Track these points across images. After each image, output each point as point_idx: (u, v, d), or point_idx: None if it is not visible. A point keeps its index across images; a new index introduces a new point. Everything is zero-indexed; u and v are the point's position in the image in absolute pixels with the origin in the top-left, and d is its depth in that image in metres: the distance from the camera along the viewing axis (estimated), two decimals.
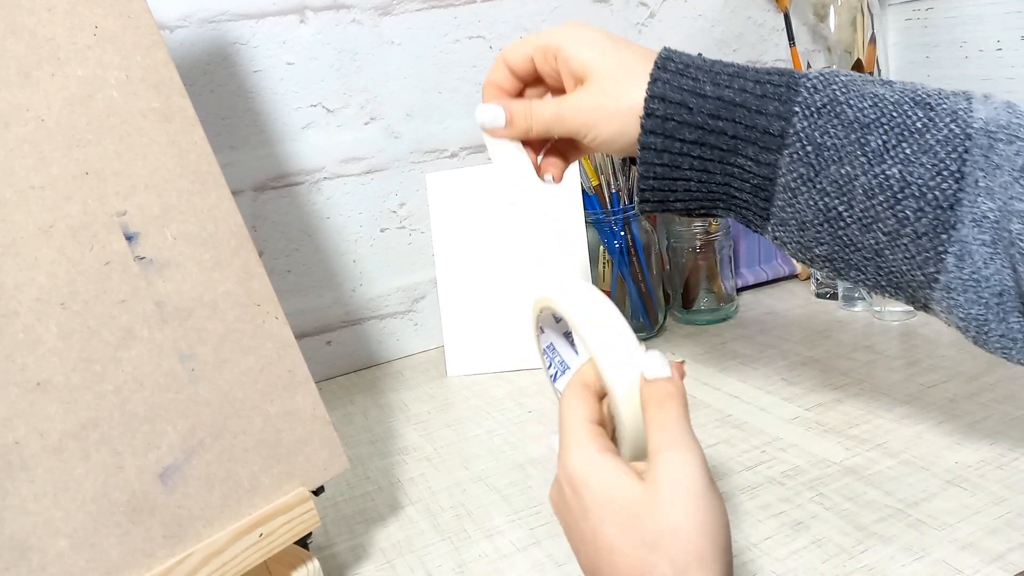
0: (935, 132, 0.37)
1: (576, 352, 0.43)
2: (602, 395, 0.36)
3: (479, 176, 0.80)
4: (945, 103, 0.38)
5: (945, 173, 0.37)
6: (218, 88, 0.76)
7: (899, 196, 0.38)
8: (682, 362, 0.37)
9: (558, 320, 0.42)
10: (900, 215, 0.38)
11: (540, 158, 0.48)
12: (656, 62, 0.42)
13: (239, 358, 0.43)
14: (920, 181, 0.37)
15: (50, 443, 0.36)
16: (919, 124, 0.38)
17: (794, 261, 0.94)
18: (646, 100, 0.41)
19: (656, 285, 0.82)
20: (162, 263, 0.40)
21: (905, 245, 0.38)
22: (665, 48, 0.43)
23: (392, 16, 0.81)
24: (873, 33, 0.89)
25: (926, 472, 0.51)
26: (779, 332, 0.79)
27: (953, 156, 0.37)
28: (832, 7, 0.90)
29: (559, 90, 0.46)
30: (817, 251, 0.42)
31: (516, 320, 0.79)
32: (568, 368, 0.43)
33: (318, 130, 0.80)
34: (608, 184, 0.79)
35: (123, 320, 0.39)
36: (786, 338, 0.77)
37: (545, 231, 0.43)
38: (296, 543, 0.46)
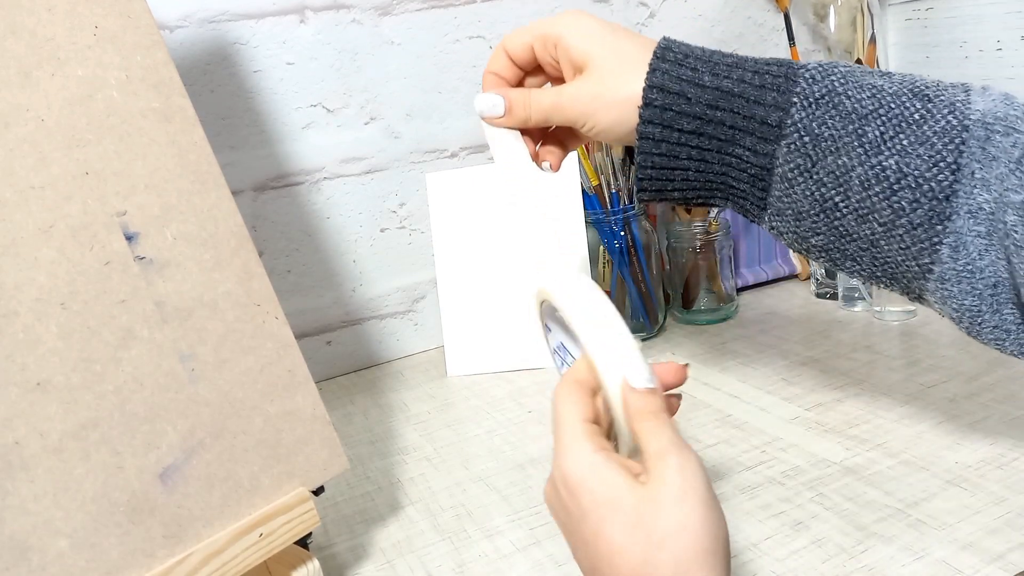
0: (932, 124, 0.37)
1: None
2: (596, 391, 0.36)
3: (479, 176, 0.80)
4: (943, 95, 0.38)
5: (942, 164, 0.37)
6: (218, 88, 0.76)
7: (895, 187, 0.38)
8: (686, 365, 0.37)
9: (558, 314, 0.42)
10: (896, 206, 0.38)
11: (538, 147, 0.48)
12: (655, 52, 0.42)
13: (239, 358, 0.43)
14: (916, 172, 0.37)
15: (50, 443, 0.36)
16: (917, 116, 0.38)
17: (794, 261, 0.94)
18: (644, 90, 0.41)
19: (656, 285, 0.82)
20: (162, 263, 0.40)
21: (900, 236, 0.38)
22: (664, 38, 0.43)
23: (392, 16, 0.81)
24: (873, 33, 0.89)
25: (926, 472, 0.51)
26: (779, 332, 0.79)
27: (950, 148, 0.37)
28: (832, 7, 0.90)
29: (559, 79, 0.47)
30: (813, 241, 0.42)
31: (516, 320, 0.79)
32: None
33: (318, 130, 0.80)
34: (608, 184, 0.79)
35: (123, 320, 0.39)
36: (786, 338, 0.77)
37: (545, 230, 0.43)
38: (296, 543, 0.46)
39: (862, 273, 0.42)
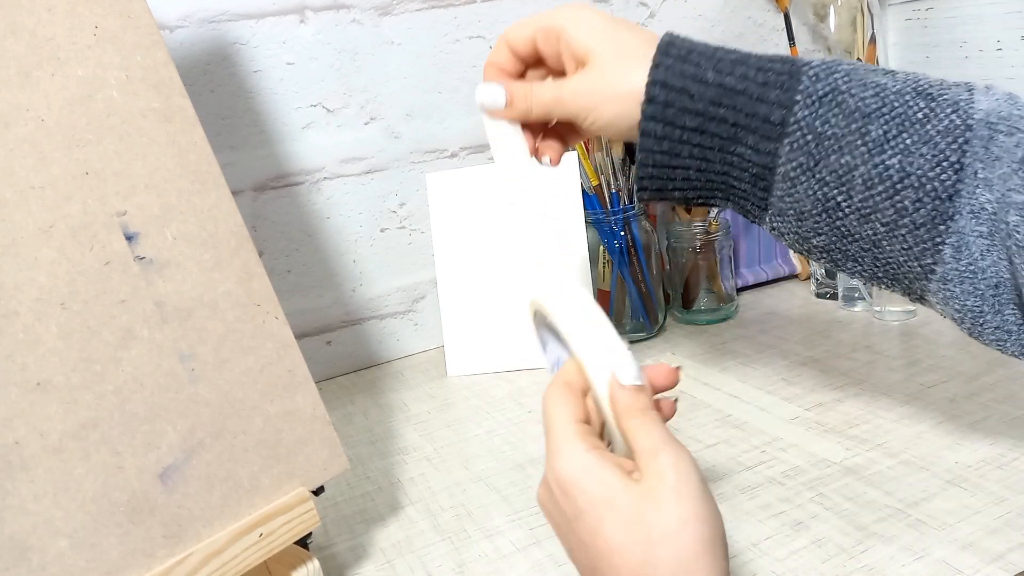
0: (936, 123, 0.37)
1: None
2: (586, 392, 0.36)
3: (479, 176, 0.80)
4: (947, 94, 0.38)
5: (945, 164, 0.37)
6: (218, 88, 0.76)
7: (898, 187, 0.37)
8: (678, 368, 0.37)
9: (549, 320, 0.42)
10: (899, 205, 0.38)
11: (538, 141, 0.48)
12: (659, 47, 0.41)
13: (239, 358, 0.43)
14: (920, 172, 0.37)
15: (50, 443, 0.36)
16: (920, 115, 0.37)
17: (794, 261, 0.94)
18: (647, 86, 0.41)
19: (656, 285, 0.82)
20: (162, 263, 0.40)
21: (903, 236, 0.38)
22: (668, 33, 0.42)
23: (392, 16, 0.81)
24: (873, 33, 0.89)
25: (926, 472, 0.51)
26: (779, 332, 0.79)
27: (953, 147, 0.37)
28: (832, 7, 0.90)
29: (561, 72, 0.46)
30: (815, 242, 0.41)
31: (516, 320, 0.79)
32: None
33: (318, 130, 0.80)
34: (608, 184, 0.79)
35: (123, 320, 0.39)
36: (786, 338, 0.77)
37: (543, 227, 0.43)
38: (296, 543, 0.46)
39: (863, 274, 0.41)
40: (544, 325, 0.41)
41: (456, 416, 0.71)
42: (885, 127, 0.38)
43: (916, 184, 0.37)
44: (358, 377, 0.85)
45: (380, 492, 0.60)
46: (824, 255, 0.42)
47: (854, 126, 0.38)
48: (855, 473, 0.52)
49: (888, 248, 0.39)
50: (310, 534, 0.48)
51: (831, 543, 0.46)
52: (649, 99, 0.41)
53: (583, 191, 0.78)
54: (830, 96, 0.39)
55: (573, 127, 0.48)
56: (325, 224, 0.83)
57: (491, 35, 0.86)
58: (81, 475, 0.37)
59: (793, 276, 0.95)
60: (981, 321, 0.39)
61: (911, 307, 0.76)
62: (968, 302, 0.38)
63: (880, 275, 0.41)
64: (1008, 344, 0.39)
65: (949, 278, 0.38)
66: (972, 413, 0.57)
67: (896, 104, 0.38)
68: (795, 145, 0.39)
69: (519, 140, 0.46)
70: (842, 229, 0.40)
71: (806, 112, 0.39)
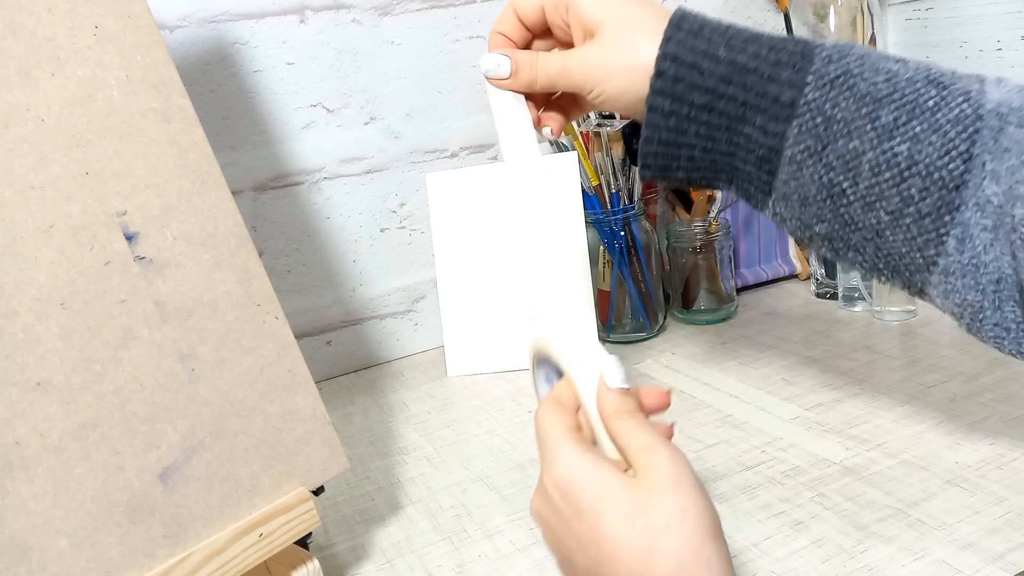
0: (946, 111, 0.37)
1: None
2: (576, 408, 0.36)
3: (479, 176, 0.80)
4: (958, 83, 0.37)
5: (954, 153, 0.36)
6: (218, 88, 0.76)
7: (905, 174, 0.37)
8: (669, 391, 0.37)
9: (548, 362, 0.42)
10: (905, 194, 0.37)
11: (541, 112, 0.47)
12: (670, 21, 0.41)
13: (239, 358, 0.43)
14: (928, 160, 0.37)
15: (50, 443, 0.36)
16: (931, 102, 0.37)
17: (794, 261, 0.94)
18: (657, 59, 0.40)
19: (656, 285, 0.82)
20: (162, 263, 0.40)
21: (907, 226, 0.38)
22: (680, 7, 0.42)
23: (392, 16, 0.81)
24: (873, 33, 0.89)
25: (926, 472, 0.51)
26: (779, 332, 0.79)
27: (963, 136, 0.36)
28: (832, 7, 0.90)
29: (568, 44, 0.45)
30: (817, 229, 0.41)
31: (516, 320, 0.79)
32: None
33: (318, 130, 0.80)
34: (608, 184, 0.79)
35: (123, 320, 0.39)
36: (786, 338, 0.77)
37: (543, 213, 0.43)
38: (296, 543, 0.46)
39: (864, 264, 0.41)
40: (541, 362, 0.40)
41: (456, 416, 0.71)
42: (895, 113, 0.37)
43: (923, 172, 0.37)
44: (358, 377, 0.85)
45: (380, 492, 0.60)
46: (825, 243, 0.41)
47: (864, 111, 0.38)
48: (855, 473, 0.52)
49: (891, 238, 0.39)
50: (310, 534, 0.48)
51: (831, 543, 0.46)
52: (658, 73, 0.40)
53: (583, 191, 0.78)
54: (842, 79, 0.38)
55: (576, 100, 0.47)
56: (325, 224, 0.83)
57: None
58: (81, 475, 0.37)
59: (793, 276, 0.95)
60: (981, 317, 0.38)
61: (911, 307, 0.76)
62: (969, 297, 0.38)
63: (881, 266, 0.40)
64: (1006, 342, 0.38)
65: (951, 271, 0.38)
66: (972, 413, 0.57)
67: (907, 91, 0.37)
68: (804, 127, 0.39)
69: (522, 111, 0.45)
70: (845, 217, 0.40)
71: (817, 94, 0.38)
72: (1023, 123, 0.35)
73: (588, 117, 0.75)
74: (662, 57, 0.40)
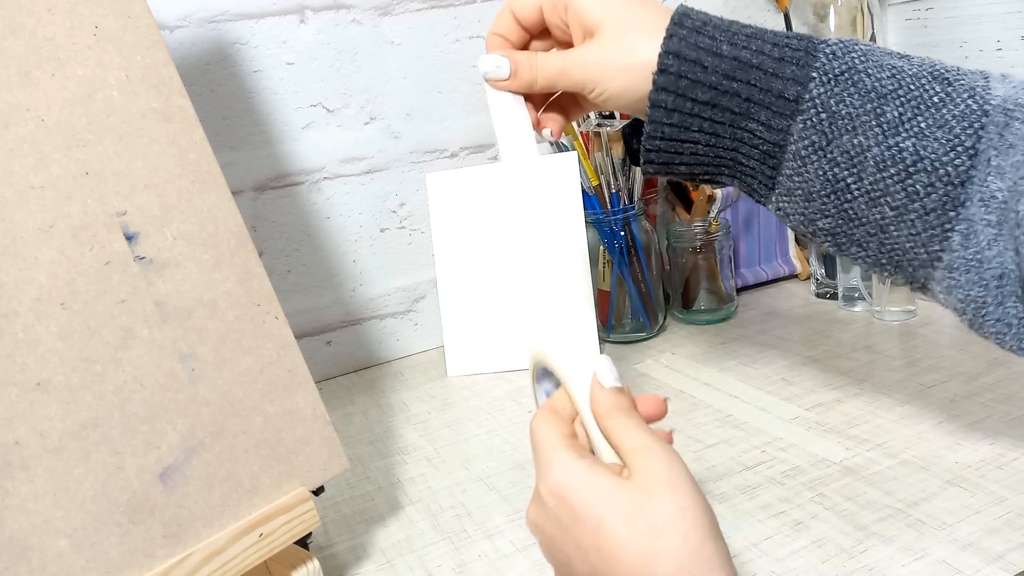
0: (952, 107, 0.37)
1: None
2: (572, 417, 0.36)
3: (479, 176, 0.80)
4: (964, 79, 0.37)
5: (959, 149, 0.36)
6: (218, 88, 0.76)
7: (911, 170, 0.37)
8: (665, 399, 0.37)
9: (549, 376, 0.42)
10: (910, 189, 0.37)
11: (540, 113, 0.47)
12: (673, 17, 0.41)
13: (239, 358, 0.43)
14: (933, 156, 0.36)
15: (50, 443, 0.36)
16: (936, 98, 0.37)
17: (794, 261, 0.94)
18: (660, 56, 0.40)
19: (656, 285, 0.82)
20: (162, 263, 0.40)
21: (912, 221, 0.38)
22: (682, 4, 0.42)
23: (392, 16, 0.81)
24: (873, 33, 0.89)
25: (926, 472, 0.51)
26: (779, 332, 0.79)
27: (968, 132, 0.36)
28: (832, 7, 0.90)
29: (566, 44, 0.45)
30: (820, 224, 0.41)
31: (516, 320, 0.79)
32: None
33: (318, 130, 0.80)
34: (608, 184, 0.79)
35: (123, 320, 0.39)
36: (786, 338, 0.77)
37: (545, 228, 0.43)
38: (296, 543, 0.46)
39: (867, 260, 0.41)
40: (540, 377, 0.40)
41: (456, 416, 0.71)
42: (900, 109, 0.37)
43: (929, 168, 0.37)
44: (358, 377, 0.85)
45: (380, 492, 0.60)
46: (828, 238, 0.41)
47: (869, 106, 0.38)
48: (855, 473, 0.52)
49: (895, 233, 0.39)
50: (310, 534, 0.48)
51: (831, 543, 0.46)
52: (661, 70, 0.40)
53: (583, 191, 0.78)
54: (846, 75, 0.38)
55: (576, 100, 0.47)
56: (325, 224, 0.83)
57: None
58: (81, 475, 0.37)
59: (793, 276, 0.95)
60: (983, 312, 0.38)
61: (911, 307, 0.76)
62: (972, 292, 0.38)
63: (884, 261, 0.40)
64: (1007, 337, 0.38)
65: (955, 267, 0.38)
66: (972, 413, 0.57)
67: (912, 87, 0.37)
68: (808, 123, 0.39)
69: (522, 112, 0.45)
70: (849, 212, 0.39)
71: (821, 90, 0.38)
72: None
73: (588, 117, 0.75)
74: (665, 54, 0.40)
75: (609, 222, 0.79)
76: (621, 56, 0.41)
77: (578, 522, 0.31)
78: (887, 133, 0.37)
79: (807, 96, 0.39)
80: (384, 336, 0.88)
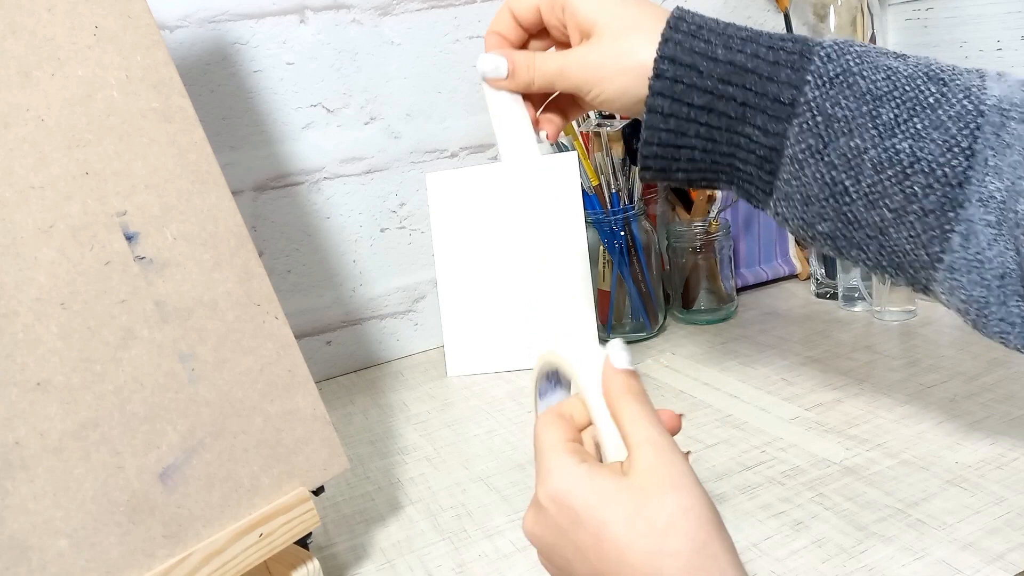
0: (947, 108, 0.37)
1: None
2: (580, 427, 0.36)
3: (479, 176, 0.80)
4: (959, 79, 0.37)
5: (956, 150, 0.36)
6: (218, 88, 0.76)
7: (908, 171, 0.37)
8: (680, 415, 0.37)
9: (556, 379, 0.41)
10: (908, 191, 0.37)
11: (538, 113, 0.47)
12: (668, 22, 0.41)
13: (239, 358, 0.43)
14: (930, 157, 0.36)
15: (50, 443, 0.36)
16: (932, 99, 0.37)
17: (794, 261, 0.94)
18: (656, 61, 0.40)
19: (656, 285, 0.82)
20: (162, 263, 0.40)
21: (911, 223, 0.38)
22: (678, 7, 0.42)
23: (392, 16, 0.81)
24: (873, 33, 0.89)
25: (926, 472, 0.51)
26: (779, 332, 0.79)
27: (964, 132, 0.36)
28: (832, 7, 0.90)
29: (564, 44, 0.45)
30: (820, 228, 0.41)
31: (516, 320, 0.79)
32: None
33: (318, 130, 0.80)
34: (608, 184, 0.79)
35: (123, 320, 0.39)
36: (786, 338, 0.77)
37: (545, 228, 0.43)
38: (296, 543, 0.46)
39: (868, 262, 0.41)
40: (544, 383, 0.40)
41: (456, 416, 0.71)
42: (896, 111, 0.37)
43: (926, 169, 0.37)
44: (358, 377, 0.85)
45: (380, 492, 0.60)
46: (828, 242, 0.41)
47: (865, 108, 0.38)
48: (855, 473, 0.52)
49: (895, 235, 0.39)
50: (310, 534, 0.48)
51: (831, 543, 0.46)
52: (657, 74, 0.40)
53: (583, 191, 0.78)
54: (841, 78, 0.38)
55: (574, 101, 0.47)
56: (325, 224, 0.83)
57: None
58: (81, 475, 0.37)
59: (793, 276, 0.95)
60: (986, 312, 0.38)
61: (911, 307, 0.76)
62: (974, 292, 0.38)
63: (885, 263, 0.40)
64: (1011, 337, 0.38)
65: (956, 267, 0.38)
66: (972, 413, 0.57)
67: (908, 88, 0.37)
68: (804, 127, 0.39)
69: (520, 111, 0.45)
70: (848, 215, 0.39)
71: (816, 93, 0.38)
72: None
73: (588, 117, 0.75)
74: (660, 58, 0.40)
75: (609, 222, 0.79)
76: (618, 59, 0.41)
77: (579, 525, 0.31)
78: (883, 135, 0.37)
79: (802, 99, 0.39)
80: (384, 336, 0.88)
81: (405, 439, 0.68)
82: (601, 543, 0.30)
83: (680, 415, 0.37)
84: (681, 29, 0.40)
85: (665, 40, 0.40)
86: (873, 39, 0.89)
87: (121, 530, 0.38)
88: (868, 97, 0.38)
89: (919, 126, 0.37)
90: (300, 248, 0.82)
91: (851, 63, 0.38)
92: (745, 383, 0.68)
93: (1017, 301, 0.37)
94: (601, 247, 0.81)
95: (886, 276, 0.41)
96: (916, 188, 0.37)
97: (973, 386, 0.61)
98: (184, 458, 0.40)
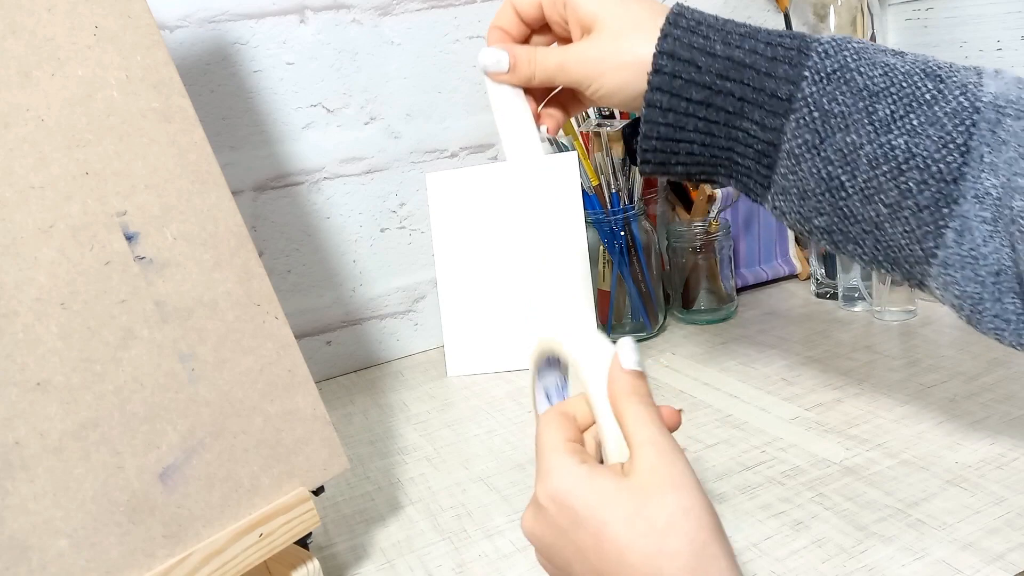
0: (944, 104, 0.37)
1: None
2: (582, 428, 0.35)
3: (479, 176, 0.80)
4: (956, 76, 0.37)
5: (951, 146, 0.36)
6: (218, 88, 0.76)
7: (903, 167, 0.37)
8: (680, 410, 0.37)
9: (556, 363, 0.41)
10: (903, 187, 0.37)
11: (540, 108, 0.48)
12: (668, 17, 0.41)
13: (239, 358, 0.43)
14: (925, 153, 0.37)
15: (50, 443, 0.36)
16: (928, 96, 0.37)
17: (794, 261, 0.94)
18: (655, 56, 0.40)
19: (656, 285, 0.82)
20: (162, 263, 0.40)
21: (906, 218, 0.38)
22: (677, 3, 0.42)
23: (392, 16, 0.81)
24: (873, 33, 0.89)
25: (926, 472, 0.51)
26: (779, 332, 0.79)
27: (960, 129, 0.36)
28: (832, 7, 0.90)
29: (566, 39, 0.46)
30: (816, 222, 0.41)
31: (516, 320, 0.79)
32: None
33: (318, 130, 0.80)
34: (608, 184, 0.79)
35: (123, 320, 0.39)
36: (786, 338, 0.77)
37: (545, 228, 0.43)
38: (296, 543, 0.46)
39: (864, 257, 0.41)
40: (543, 370, 0.40)
41: (456, 416, 0.71)
42: (892, 107, 0.37)
43: (921, 165, 0.37)
44: (358, 377, 0.85)
45: (380, 492, 0.60)
46: (825, 236, 0.41)
47: (861, 104, 0.38)
48: (855, 473, 0.52)
49: (890, 231, 0.39)
50: (310, 534, 0.48)
51: (831, 543, 0.46)
52: (656, 70, 0.40)
53: (583, 191, 0.78)
54: (838, 73, 0.38)
55: (575, 96, 0.47)
56: (325, 224, 0.83)
57: None
58: (81, 475, 0.37)
59: (793, 276, 0.95)
60: (980, 308, 0.38)
61: (911, 307, 0.76)
62: (968, 288, 0.38)
63: (880, 258, 0.40)
64: (1006, 333, 0.38)
65: (950, 263, 0.38)
66: (972, 413, 0.57)
67: (904, 84, 0.38)
68: (801, 122, 0.39)
69: (522, 106, 0.45)
70: (844, 210, 0.40)
71: (814, 89, 0.39)
72: (1020, 115, 0.35)
73: (588, 117, 0.75)
74: (659, 54, 0.40)
75: (609, 222, 0.79)
76: (618, 54, 0.42)
77: (578, 525, 0.31)
78: (879, 131, 0.37)
79: (799, 95, 0.39)
80: (384, 336, 0.88)
81: (405, 439, 0.68)
82: (601, 543, 0.30)
83: (680, 411, 0.37)
84: (680, 25, 0.41)
85: (664, 36, 0.41)
86: (873, 39, 0.89)
87: (121, 530, 0.38)
88: (865, 93, 0.38)
89: (915, 122, 0.37)
90: (300, 248, 0.82)
91: (848, 59, 0.39)
92: (745, 383, 0.68)
93: (1012, 298, 0.37)
94: (601, 247, 0.81)
95: (883, 271, 0.41)
96: (911, 184, 0.37)
97: (973, 386, 0.61)
98: (184, 458, 0.40)
